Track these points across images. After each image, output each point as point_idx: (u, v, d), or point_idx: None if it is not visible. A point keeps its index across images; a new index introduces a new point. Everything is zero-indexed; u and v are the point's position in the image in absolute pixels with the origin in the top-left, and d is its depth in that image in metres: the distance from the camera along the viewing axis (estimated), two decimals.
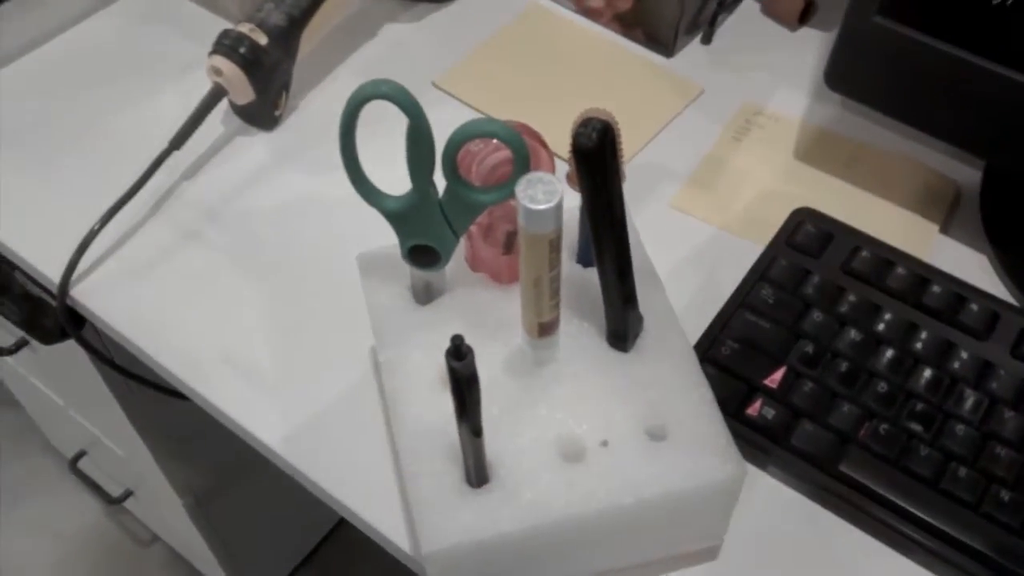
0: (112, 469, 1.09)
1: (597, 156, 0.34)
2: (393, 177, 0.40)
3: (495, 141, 0.39)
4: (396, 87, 0.34)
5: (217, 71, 0.56)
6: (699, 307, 0.51)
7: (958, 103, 0.49)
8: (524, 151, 0.36)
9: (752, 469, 0.46)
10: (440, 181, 0.38)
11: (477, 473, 0.36)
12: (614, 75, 0.63)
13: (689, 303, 0.52)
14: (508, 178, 0.37)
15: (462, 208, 0.38)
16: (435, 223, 0.39)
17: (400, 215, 0.38)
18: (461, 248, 0.43)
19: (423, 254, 0.40)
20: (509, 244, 0.42)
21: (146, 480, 0.97)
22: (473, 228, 0.41)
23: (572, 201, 0.38)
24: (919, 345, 0.47)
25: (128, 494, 1.12)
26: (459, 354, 0.32)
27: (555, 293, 0.37)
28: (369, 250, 0.44)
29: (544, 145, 0.40)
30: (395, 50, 0.65)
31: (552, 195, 0.33)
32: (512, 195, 0.38)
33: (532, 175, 0.33)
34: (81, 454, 1.13)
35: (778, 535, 0.44)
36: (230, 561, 1.05)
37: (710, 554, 0.43)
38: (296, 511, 1.13)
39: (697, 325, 0.50)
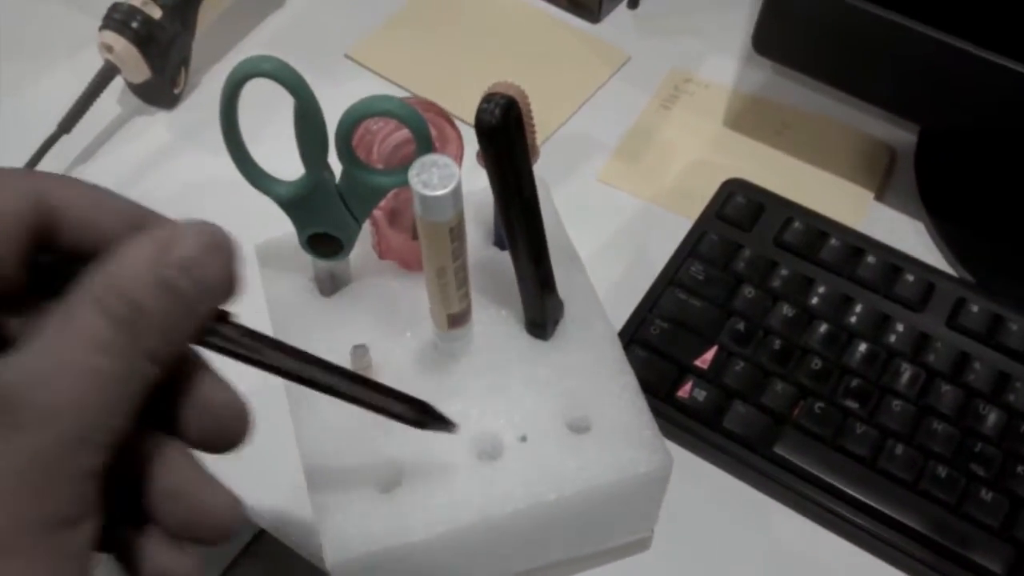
0: None
1: (501, 133, 0.31)
2: (292, 161, 0.37)
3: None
4: (277, 64, 0.31)
5: (108, 48, 0.52)
6: (629, 286, 0.49)
7: (888, 67, 0.47)
8: (424, 130, 0.33)
9: (685, 453, 0.44)
10: (337, 164, 0.35)
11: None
12: (538, 43, 0.60)
13: (619, 282, 0.50)
14: (410, 159, 0.34)
15: (362, 193, 0.35)
16: (333, 209, 0.35)
17: (294, 203, 0.35)
18: (369, 234, 0.40)
19: (324, 243, 0.37)
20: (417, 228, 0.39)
21: None
22: (378, 213, 0.38)
23: (487, 181, 0.36)
24: (853, 319, 0.46)
25: None
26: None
27: (463, 283, 0.35)
28: (269, 238, 0.41)
29: (450, 122, 0.37)
30: (304, 21, 0.61)
31: (448, 180, 0.30)
32: None
33: (426, 158, 0.30)
34: None
35: (713, 520, 0.43)
36: None
37: (642, 545, 0.41)
38: None
39: (627, 305, 0.48)
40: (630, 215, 0.53)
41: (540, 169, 0.54)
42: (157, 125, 0.55)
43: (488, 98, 0.31)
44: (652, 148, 0.56)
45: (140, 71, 0.53)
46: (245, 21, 0.60)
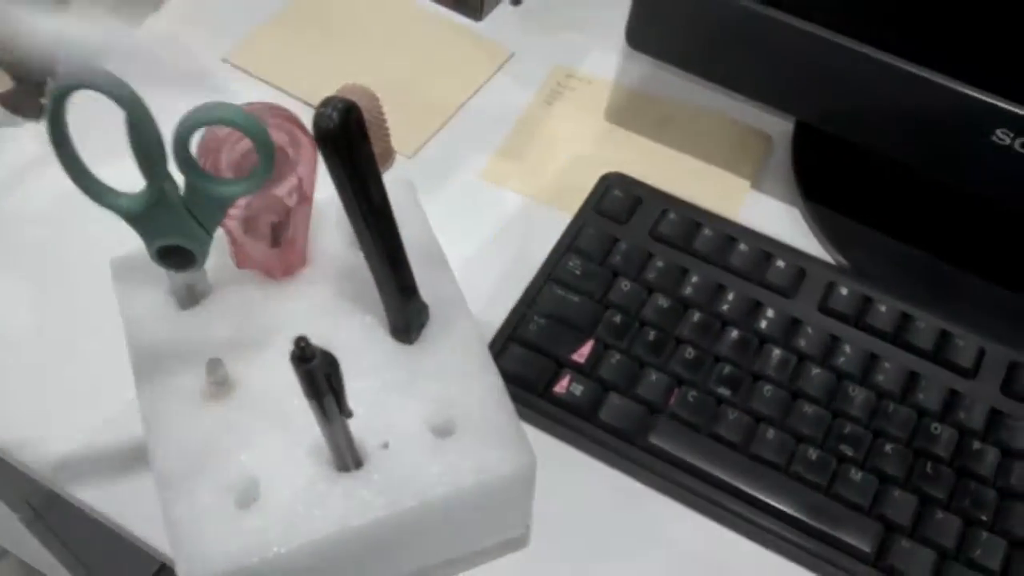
0: None
1: (340, 139, 0.31)
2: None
3: None
4: (100, 74, 0.30)
5: None
6: (511, 283, 0.49)
7: (758, 60, 0.48)
8: (264, 138, 0.32)
9: (564, 448, 0.45)
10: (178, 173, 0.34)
11: (353, 456, 0.34)
12: (421, 41, 0.60)
13: (501, 279, 0.50)
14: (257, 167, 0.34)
15: (207, 203, 0.34)
16: (180, 220, 0.35)
17: (138, 215, 0.34)
18: (224, 242, 0.39)
19: (175, 255, 0.36)
20: (276, 236, 0.38)
21: None
22: (230, 223, 0.37)
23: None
24: (726, 307, 0.47)
25: None
26: (305, 356, 0.29)
27: None
28: (125, 253, 0.40)
29: (302, 128, 0.37)
30: (182, 25, 0.60)
31: None
32: (260, 185, 0.35)
33: None
34: None
35: (591, 512, 0.43)
36: (84, 570, 1.00)
37: (519, 543, 0.41)
38: None
39: (507, 302, 0.48)
40: (513, 212, 0.53)
41: (421, 166, 0.54)
42: (25, 136, 0.54)
43: (326, 102, 0.31)
44: (536, 145, 0.56)
45: (1, 81, 0.51)
46: (118, 27, 0.59)
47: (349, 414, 0.32)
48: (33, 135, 0.54)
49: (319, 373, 0.30)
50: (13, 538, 1.05)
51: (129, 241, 0.41)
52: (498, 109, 0.57)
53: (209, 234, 0.36)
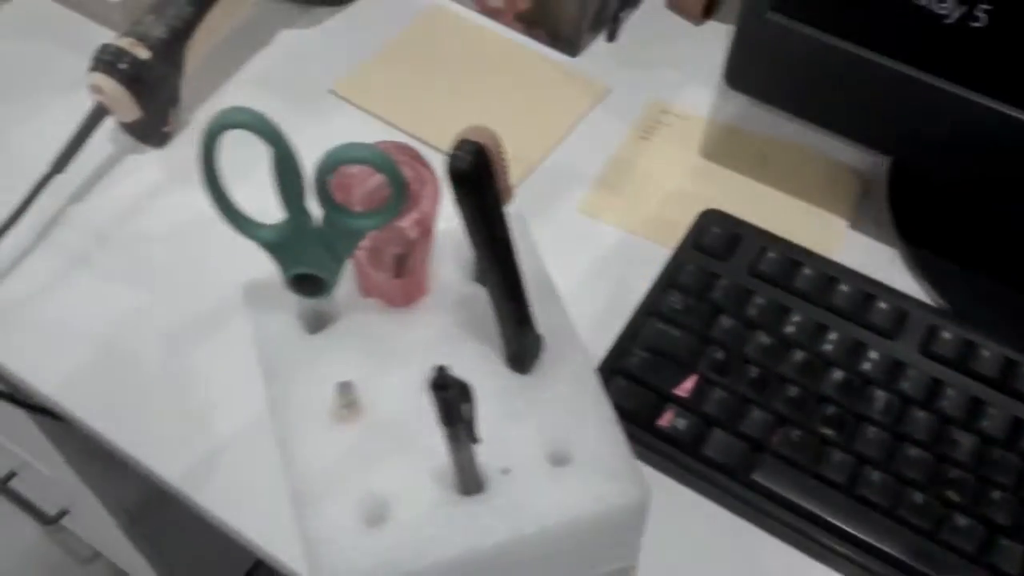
0: (44, 489, 1.06)
1: (472, 179, 0.32)
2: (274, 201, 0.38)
3: None
4: (252, 115, 0.32)
5: (98, 89, 0.53)
6: (610, 315, 0.50)
7: (855, 100, 0.48)
8: (397, 176, 0.34)
9: (666, 481, 0.45)
10: (316, 206, 0.36)
11: (476, 480, 0.36)
12: (518, 77, 0.62)
13: (600, 312, 0.51)
14: (388, 202, 0.35)
15: (342, 234, 0.36)
16: (315, 251, 0.37)
17: (277, 245, 0.36)
18: (352, 271, 0.41)
19: (307, 283, 0.38)
20: (400, 267, 0.40)
21: (78, 500, 0.95)
22: (359, 253, 0.39)
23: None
24: (829, 347, 0.47)
25: (63, 513, 1.10)
26: (443, 384, 0.31)
27: None
28: (256, 278, 0.41)
29: (425, 164, 0.38)
30: (290, 58, 0.62)
31: None
32: (392, 219, 0.36)
33: None
34: (11, 475, 1.10)
35: (694, 548, 0.43)
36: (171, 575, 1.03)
37: (625, 573, 0.42)
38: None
39: (608, 334, 0.49)
40: (610, 246, 0.54)
41: (521, 201, 0.55)
42: (149, 163, 0.56)
43: (459, 145, 0.32)
44: (632, 179, 0.57)
45: (130, 111, 0.54)
46: (232, 59, 0.62)
47: (477, 440, 0.34)
48: (157, 162, 0.57)
49: (455, 401, 0.31)
50: (107, 542, 1.09)
51: (244, 261, 0.43)
52: (594, 144, 0.58)
53: (340, 263, 0.37)
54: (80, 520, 1.09)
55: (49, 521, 1.10)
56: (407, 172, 0.38)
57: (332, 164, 0.33)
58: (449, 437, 0.33)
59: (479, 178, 0.32)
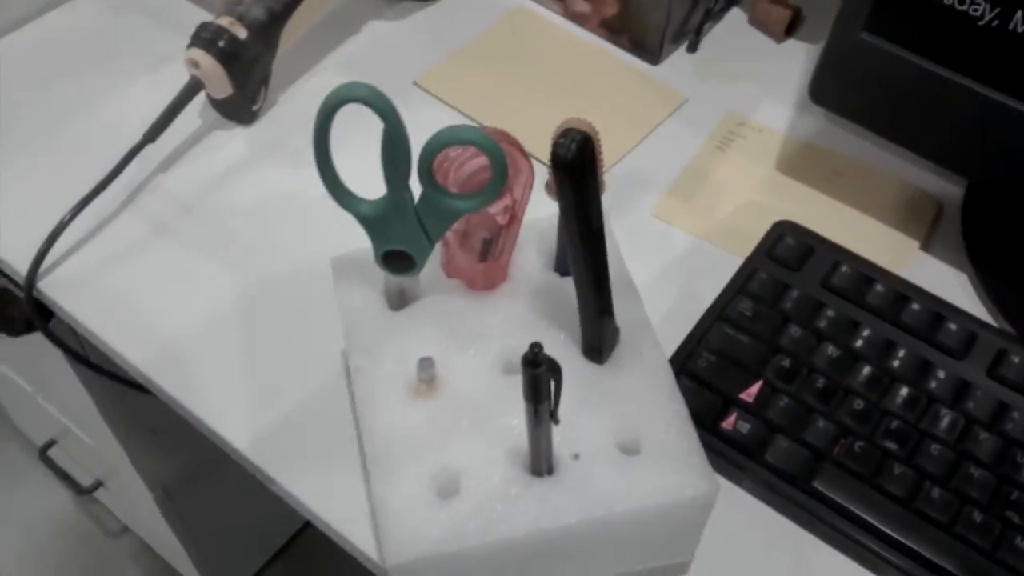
0: (82, 459, 1.08)
1: (576, 168, 0.33)
2: (369, 179, 0.39)
3: (473, 148, 0.38)
4: (372, 91, 0.33)
5: (195, 64, 0.55)
6: (678, 318, 0.51)
7: (942, 122, 0.48)
8: (502, 159, 0.35)
9: (726, 483, 0.46)
10: (416, 186, 0.37)
11: (549, 462, 0.36)
12: (599, 81, 0.63)
13: (668, 313, 0.51)
14: (485, 186, 0.37)
15: (438, 215, 0.37)
16: (410, 229, 0.38)
17: (374, 220, 0.38)
18: (437, 253, 0.42)
19: (398, 259, 0.39)
20: (485, 252, 0.41)
21: (116, 472, 0.96)
22: (449, 234, 0.40)
23: (551, 209, 0.38)
24: (896, 363, 0.47)
25: (98, 484, 1.11)
26: (536, 361, 0.32)
27: None
28: (344, 253, 0.43)
29: (523, 153, 0.39)
30: (377, 48, 0.64)
31: None
32: (489, 202, 0.37)
33: None
34: (51, 443, 1.12)
35: (750, 551, 0.44)
36: (200, 554, 1.04)
37: (680, 569, 0.43)
38: (268, 506, 1.12)
39: (675, 336, 0.49)
40: (681, 250, 0.55)
41: (603, 195, 0.56)
42: (236, 140, 0.58)
43: (565, 133, 0.33)
44: (705, 187, 0.57)
45: (223, 87, 0.56)
46: (322, 44, 0.63)
47: (557, 421, 0.35)
48: (243, 139, 0.58)
49: (544, 378, 0.32)
50: (138, 516, 1.11)
51: (321, 237, 0.44)
52: (670, 151, 0.59)
53: (432, 243, 0.39)
54: (114, 493, 1.11)
55: (84, 492, 1.11)
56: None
57: (441, 143, 0.34)
58: (531, 415, 0.34)
59: (582, 167, 0.33)
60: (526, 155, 0.40)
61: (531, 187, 0.40)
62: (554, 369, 0.32)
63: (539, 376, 0.32)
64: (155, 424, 0.83)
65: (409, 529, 0.36)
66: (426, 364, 0.39)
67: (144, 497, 0.94)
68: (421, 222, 0.38)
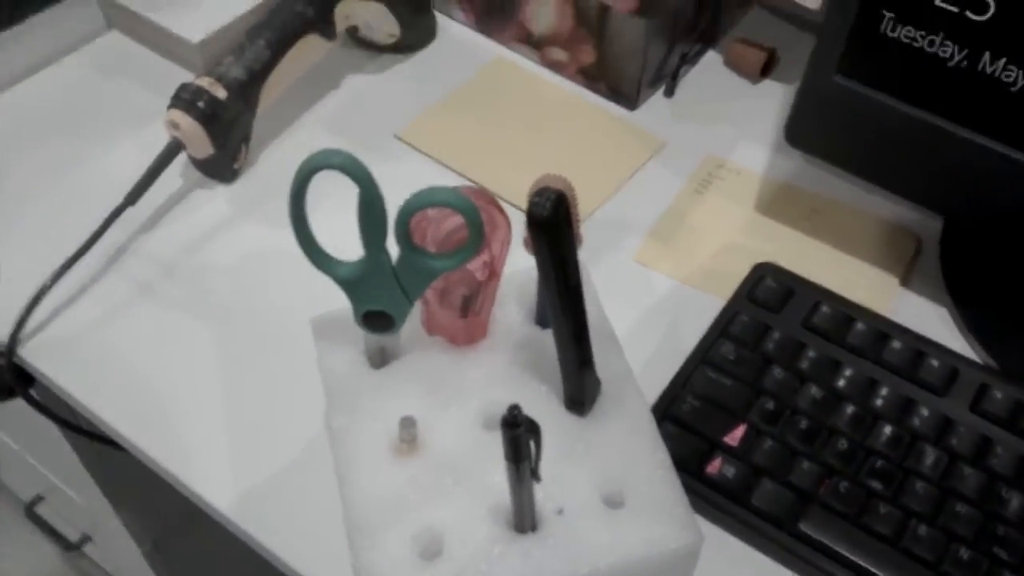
0: (70, 515, 1.07)
1: (551, 226, 0.34)
2: (347, 238, 0.39)
3: None
4: (346, 157, 0.34)
5: (175, 125, 0.56)
6: (661, 362, 0.51)
7: (917, 162, 0.49)
8: (478, 220, 0.35)
9: (713, 528, 0.46)
10: (393, 246, 0.37)
11: (532, 519, 0.37)
12: (578, 128, 0.63)
13: (651, 358, 0.52)
14: (464, 244, 0.37)
15: (417, 274, 0.38)
16: (389, 289, 0.38)
17: (353, 282, 0.38)
18: (417, 310, 0.42)
19: (377, 319, 0.40)
20: (465, 308, 0.41)
21: (104, 527, 0.96)
22: (429, 292, 0.40)
23: (531, 261, 0.38)
24: (879, 402, 0.47)
25: (86, 539, 1.10)
26: (515, 422, 0.32)
27: None
28: (323, 313, 0.43)
29: (500, 209, 0.40)
30: (357, 102, 0.65)
31: None
32: (467, 260, 0.38)
33: None
34: (38, 499, 1.11)
35: None
36: None
37: None
38: (257, 558, 1.12)
39: (659, 381, 0.50)
40: (663, 294, 0.55)
41: (579, 249, 0.57)
42: (217, 199, 0.59)
43: (540, 192, 0.34)
44: (686, 231, 0.58)
45: (204, 148, 0.56)
46: (303, 101, 0.64)
47: (539, 479, 0.35)
48: (223, 198, 0.59)
49: (524, 439, 0.32)
50: (127, 571, 1.10)
51: (303, 296, 0.44)
52: (650, 195, 0.60)
53: (411, 302, 0.39)
54: (102, 547, 1.10)
55: (72, 547, 1.10)
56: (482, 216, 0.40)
57: (417, 206, 0.35)
58: (513, 474, 0.34)
59: (558, 225, 0.34)
60: (503, 212, 0.40)
61: (509, 243, 0.40)
62: (533, 429, 0.33)
63: (519, 436, 0.32)
64: (141, 481, 0.82)
65: None
66: (407, 423, 0.39)
67: (132, 551, 0.93)
68: (400, 282, 0.38)
